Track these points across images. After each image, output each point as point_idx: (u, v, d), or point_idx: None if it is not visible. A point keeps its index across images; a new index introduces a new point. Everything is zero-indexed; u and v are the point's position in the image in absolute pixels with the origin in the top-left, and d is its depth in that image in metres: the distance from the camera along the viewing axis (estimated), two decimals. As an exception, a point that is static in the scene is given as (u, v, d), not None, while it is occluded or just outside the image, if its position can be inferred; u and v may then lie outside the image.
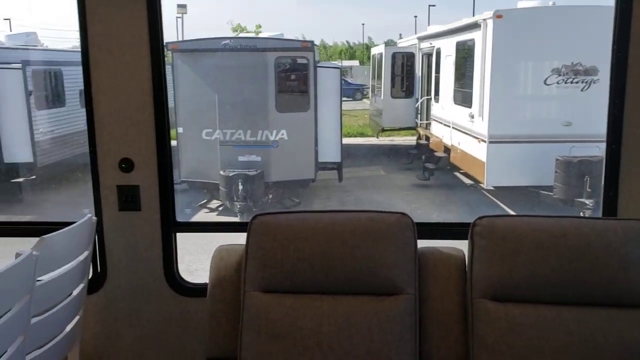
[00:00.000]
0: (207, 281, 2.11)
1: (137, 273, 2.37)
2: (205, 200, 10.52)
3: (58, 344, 2.07)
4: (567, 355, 1.80)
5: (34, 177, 11.00)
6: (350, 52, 37.86)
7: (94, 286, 2.36)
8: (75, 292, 2.13)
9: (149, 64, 2.23)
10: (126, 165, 2.28)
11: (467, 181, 11.25)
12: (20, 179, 10.97)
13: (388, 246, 1.98)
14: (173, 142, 11.24)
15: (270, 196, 10.39)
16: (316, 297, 1.99)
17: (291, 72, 10.67)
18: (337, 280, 1.98)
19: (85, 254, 2.16)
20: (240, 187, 9.87)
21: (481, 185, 10.02)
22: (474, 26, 10.01)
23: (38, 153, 10.98)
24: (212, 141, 10.26)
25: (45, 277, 1.91)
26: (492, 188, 9.99)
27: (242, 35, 16.22)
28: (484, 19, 9.44)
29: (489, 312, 1.89)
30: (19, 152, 10.96)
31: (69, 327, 2.13)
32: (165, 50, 2.33)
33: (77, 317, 2.19)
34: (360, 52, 35.60)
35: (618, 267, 1.80)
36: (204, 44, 10.40)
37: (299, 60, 10.53)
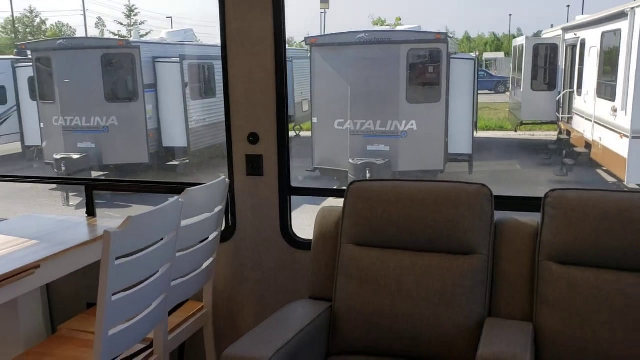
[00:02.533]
0: (312, 236, 2.54)
1: (260, 228, 2.87)
2: (336, 187, 11.08)
3: (196, 277, 2.61)
4: (622, 316, 1.96)
5: (187, 160, 12.33)
6: (496, 43, 36.67)
7: (225, 236, 2.89)
8: (211, 237, 2.66)
9: (273, 54, 2.70)
10: (253, 138, 2.78)
11: (609, 179, 10.68)
12: (176, 162, 12.36)
13: (466, 212, 2.25)
14: (307, 133, 11.91)
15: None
16: (399, 252, 2.33)
17: (423, 64, 10.84)
18: (418, 239, 2.30)
19: (220, 207, 2.68)
20: (368, 176, 10.28)
21: (623, 183, 9.49)
22: (621, 15, 9.47)
23: (191, 139, 12.28)
24: (343, 131, 10.77)
25: (187, 221, 2.44)
26: (636, 186, 9.43)
27: (380, 27, 16.60)
28: (632, 8, 8.91)
29: (552, 273, 2.11)
30: (176, 138, 12.35)
31: (205, 265, 2.67)
32: (287, 43, 2.78)
33: (211, 259, 2.72)
34: (506, 43, 34.34)
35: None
36: (340, 38, 10.92)
37: (432, 52, 10.66)
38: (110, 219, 3.04)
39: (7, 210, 9.74)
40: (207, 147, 12.50)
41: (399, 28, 13.37)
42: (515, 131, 15.64)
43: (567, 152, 12.02)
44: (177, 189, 2.53)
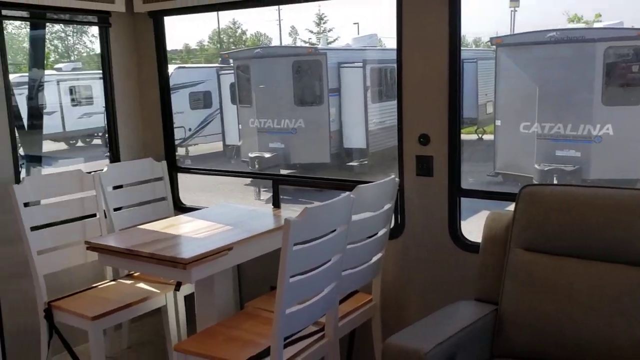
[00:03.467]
0: (480, 240, 2.55)
1: (428, 228, 2.93)
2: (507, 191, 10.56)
3: (365, 269, 2.77)
4: None
5: (365, 161, 12.74)
6: None
7: (394, 234, 3.01)
8: (380, 233, 2.80)
9: (447, 57, 2.75)
10: (424, 139, 2.86)
11: None
12: (354, 163, 12.83)
13: None
14: (490, 136, 11.51)
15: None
16: (572, 259, 2.24)
17: (625, 63, 9.87)
18: (594, 247, 2.19)
19: (389, 205, 2.81)
20: (555, 182, 9.65)
21: None
22: None
23: (370, 141, 12.65)
24: (529, 134, 10.24)
25: (358, 216, 2.60)
26: None
27: (574, 25, 15.44)
28: None
29: None
30: (356, 140, 12.82)
31: (374, 259, 2.82)
32: (474, 44, 2.82)
33: (380, 254, 2.86)
34: None
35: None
36: (527, 37, 10.42)
37: (637, 50, 9.67)
38: (293, 211, 3.33)
39: (208, 201, 10.97)
40: (385, 149, 12.77)
41: (596, 25, 12.32)
42: None
43: None
44: (350, 186, 2.71)
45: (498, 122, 10.82)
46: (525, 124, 10.28)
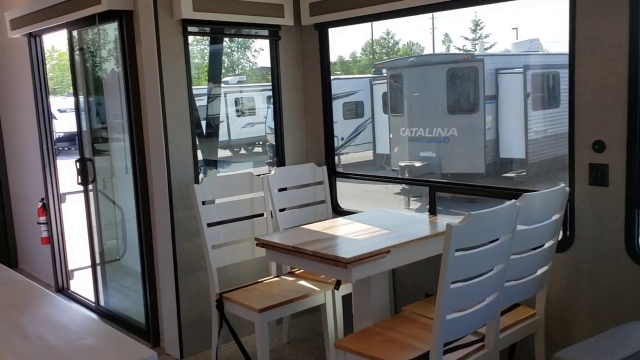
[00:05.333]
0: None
1: (601, 241, 2.73)
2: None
3: (529, 282, 2.65)
4: None
5: (524, 172, 12.09)
6: None
7: (562, 246, 2.84)
8: (546, 245, 2.66)
9: (627, 60, 2.54)
10: (598, 146, 2.67)
11: None
12: (512, 174, 12.23)
13: None
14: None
15: None
16: None
17: None
18: None
19: (557, 216, 2.66)
20: None
21: None
22: None
23: (530, 151, 11.99)
24: None
25: (523, 226, 2.50)
26: None
27: None
28: None
29: None
30: (514, 149, 12.22)
31: (539, 272, 2.68)
32: None
33: (546, 267, 2.71)
34: None
35: None
36: None
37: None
38: (450, 217, 3.30)
39: (360, 208, 11.19)
40: (545, 160, 12.02)
41: None
42: None
43: None
44: (514, 194, 2.62)
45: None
46: None
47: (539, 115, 12.06)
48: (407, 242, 2.84)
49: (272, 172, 3.70)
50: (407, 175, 12.52)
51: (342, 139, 15.79)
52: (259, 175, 3.69)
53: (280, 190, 3.80)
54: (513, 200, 2.35)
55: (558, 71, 11.81)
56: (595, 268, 2.77)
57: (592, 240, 2.76)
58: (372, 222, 3.24)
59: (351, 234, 3.06)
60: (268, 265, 3.70)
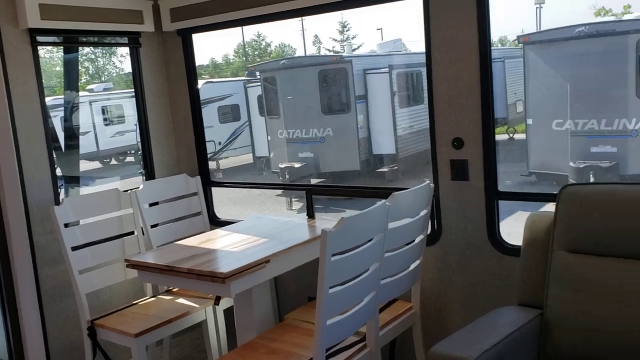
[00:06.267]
0: (521, 243, 2.50)
1: (466, 232, 2.89)
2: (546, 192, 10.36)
3: (404, 277, 2.73)
4: None
5: (395, 166, 12.67)
6: None
7: (432, 239, 2.97)
8: (417, 240, 2.76)
9: (477, 59, 2.71)
10: (457, 143, 2.82)
11: None
12: (385, 169, 12.77)
13: None
14: (522, 136, 11.39)
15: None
16: (618, 259, 2.17)
17: (659, 54, 9.62)
18: (639, 246, 2.12)
19: (425, 211, 2.77)
20: (592, 180, 9.44)
21: None
22: None
23: (399, 146, 12.59)
24: (562, 132, 10.04)
25: (394, 224, 2.57)
26: None
27: (603, 18, 15.13)
28: None
29: None
30: (385, 146, 12.77)
31: (412, 266, 2.78)
32: (500, 43, 2.78)
33: (418, 261, 2.82)
34: None
35: None
36: (555, 34, 10.23)
37: (670, 40, 9.42)
38: (328, 221, 3.33)
39: (241, 213, 11.05)
40: (414, 154, 12.68)
41: (627, 17, 12.04)
42: None
43: None
44: (385, 193, 2.69)
45: (529, 121, 10.64)
46: (558, 122, 10.08)
47: (405, 113, 12.69)
48: (287, 249, 2.81)
49: (141, 187, 3.51)
50: (287, 177, 12.60)
51: (220, 143, 15.54)
52: (126, 190, 3.48)
53: (152, 204, 3.62)
54: (383, 201, 2.40)
55: (420, 69, 12.50)
56: (462, 258, 2.92)
57: (458, 232, 2.91)
58: (250, 231, 3.18)
59: (229, 246, 2.98)
60: (143, 285, 3.51)
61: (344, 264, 2.20)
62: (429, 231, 2.91)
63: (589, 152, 9.77)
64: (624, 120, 9.49)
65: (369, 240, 2.35)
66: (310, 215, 3.46)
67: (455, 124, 2.82)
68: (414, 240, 2.75)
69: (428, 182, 2.80)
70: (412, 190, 2.69)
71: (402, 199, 2.59)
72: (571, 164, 9.78)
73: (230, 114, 15.75)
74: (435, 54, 2.82)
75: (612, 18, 14.50)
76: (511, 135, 15.16)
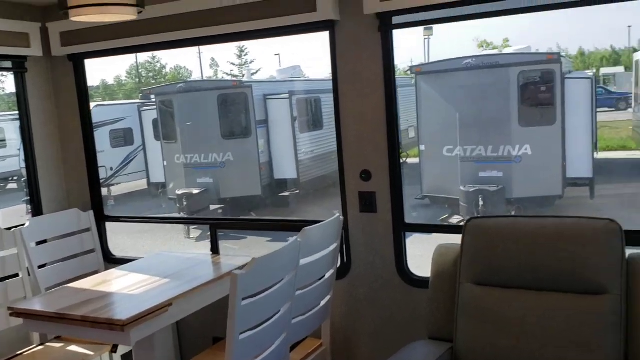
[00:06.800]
0: (429, 274, 2.52)
1: (374, 265, 2.89)
2: (447, 215, 10.85)
3: (315, 314, 2.67)
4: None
5: (297, 191, 12.69)
6: (614, 58, 34.47)
7: (341, 273, 2.94)
8: (327, 275, 2.72)
9: (383, 94, 2.75)
10: (365, 175, 2.83)
11: None
12: (287, 193, 12.75)
13: (593, 250, 2.14)
14: (416, 160, 11.89)
15: (513, 213, 10.24)
16: (522, 291, 2.25)
17: (535, 85, 10.44)
18: (542, 278, 2.21)
19: (335, 245, 2.74)
20: (481, 203, 9.98)
21: None
22: None
23: (301, 171, 12.64)
24: (452, 157, 10.57)
25: (305, 260, 2.51)
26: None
27: (487, 51, 16.26)
28: None
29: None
30: (286, 170, 12.77)
31: (322, 302, 2.73)
32: (396, 81, 2.83)
33: (328, 296, 2.77)
34: (625, 57, 32.19)
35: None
36: (445, 65, 10.81)
37: (545, 73, 10.26)
38: (233, 254, 3.20)
39: (136, 243, 10.52)
40: (315, 178, 12.78)
41: (507, 50, 13.01)
42: (642, 151, 14.48)
43: None
44: (293, 226, 2.64)
45: (422, 147, 11.12)
46: (449, 148, 10.60)
47: (306, 137, 12.79)
48: (191, 290, 2.65)
49: (26, 224, 3.20)
50: (184, 203, 12.18)
51: (112, 169, 14.78)
52: (9, 228, 3.15)
53: (39, 243, 3.30)
54: (295, 237, 2.34)
55: (319, 96, 12.69)
56: (371, 292, 2.91)
57: (367, 265, 2.91)
58: (151, 271, 2.98)
59: (127, 288, 2.76)
60: (29, 332, 3.17)
61: (255, 307, 2.10)
62: (338, 264, 2.88)
63: (477, 177, 10.34)
64: (509, 147, 10.16)
65: (281, 280, 2.27)
66: (215, 251, 3.32)
67: (363, 157, 2.83)
68: (324, 276, 2.70)
69: (338, 214, 2.78)
70: (323, 225, 2.65)
71: (313, 234, 2.54)
72: (462, 188, 10.29)
73: (122, 138, 15.06)
74: (342, 88, 2.83)
75: (495, 51, 15.60)
76: (405, 159, 15.77)
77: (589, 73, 12.64)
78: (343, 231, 2.87)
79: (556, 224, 2.26)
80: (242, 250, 8.61)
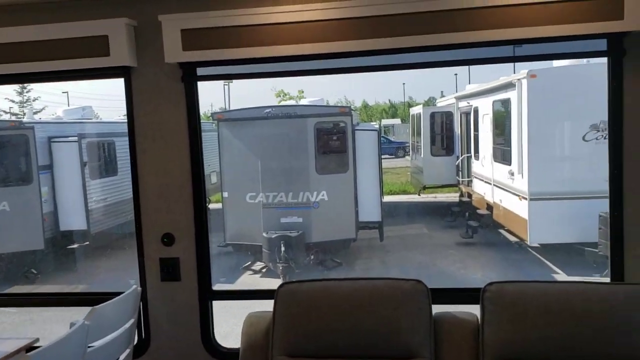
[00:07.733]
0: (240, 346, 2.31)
1: (178, 338, 2.59)
2: (250, 262, 10.75)
3: (106, 405, 2.27)
4: None
5: (87, 243, 11.55)
6: (392, 110, 38.45)
7: (139, 351, 2.58)
8: (122, 357, 2.35)
9: (188, 146, 2.52)
10: (168, 239, 2.54)
11: (512, 239, 11.14)
12: (75, 246, 11.53)
13: (404, 312, 2.13)
14: (218, 205, 11.72)
15: (312, 257, 10.53)
16: (337, 361, 2.15)
17: (330, 136, 11.05)
18: (357, 345, 2.14)
19: (131, 321, 2.39)
20: (283, 249, 10.09)
21: (526, 242, 9.92)
22: (509, 86, 10.17)
23: (91, 221, 11.56)
24: (255, 204, 10.59)
25: (96, 344, 2.13)
26: (538, 245, 9.88)
27: (284, 101, 16.90)
28: (519, 79, 9.60)
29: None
30: (74, 221, 11.58)
31: (116, 389, 2.34)
32: (202, 132, 2.62)
33: (123, 381, 2.39)
34: (401, 110, 36.18)
35: (620, 330, 1.89)
36: (246, 113, 10.91)
37: (338, 125, 10.91)
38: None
39: None
40: (109, 228, 11.82)
41: (302, 101, 13.64)
42: (419, 195, 16.14)
43: (470, 214, 12.49)
44: (87, 299, 2.24)
45: (225, 194, 10.98)
46: (251, 194, 10.64)
47: (97, 184, 11.81)
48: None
49: None
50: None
51: None
52: None
53: None
54: (81, 321, 1.96)
55: (114, 139, 11.87)
56: (175, 368, 2.60)
57: (169, 339, 2.60)
58: None
59: None
60: None
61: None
62: (135, 342, 2.51)
63: (279, 223, 10.49)
64: (307, 193, 10.51)
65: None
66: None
67: (165, 218, 2.54)
68: (118, 359, 2.32)
69: (135, 286, 2.44)
70: (116, 300, 2.29)
71: (105, 313, 2.17)
72: (264, 234, 10.33)
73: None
74: (141, 141, 2.54)
75: (292, 101, 16.28)
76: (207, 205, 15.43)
77: (375, 125, 13.80)
78: (141, 303, 2.53)
79: (367, 287, 2.22)
80: (23, 326, 7.34)
